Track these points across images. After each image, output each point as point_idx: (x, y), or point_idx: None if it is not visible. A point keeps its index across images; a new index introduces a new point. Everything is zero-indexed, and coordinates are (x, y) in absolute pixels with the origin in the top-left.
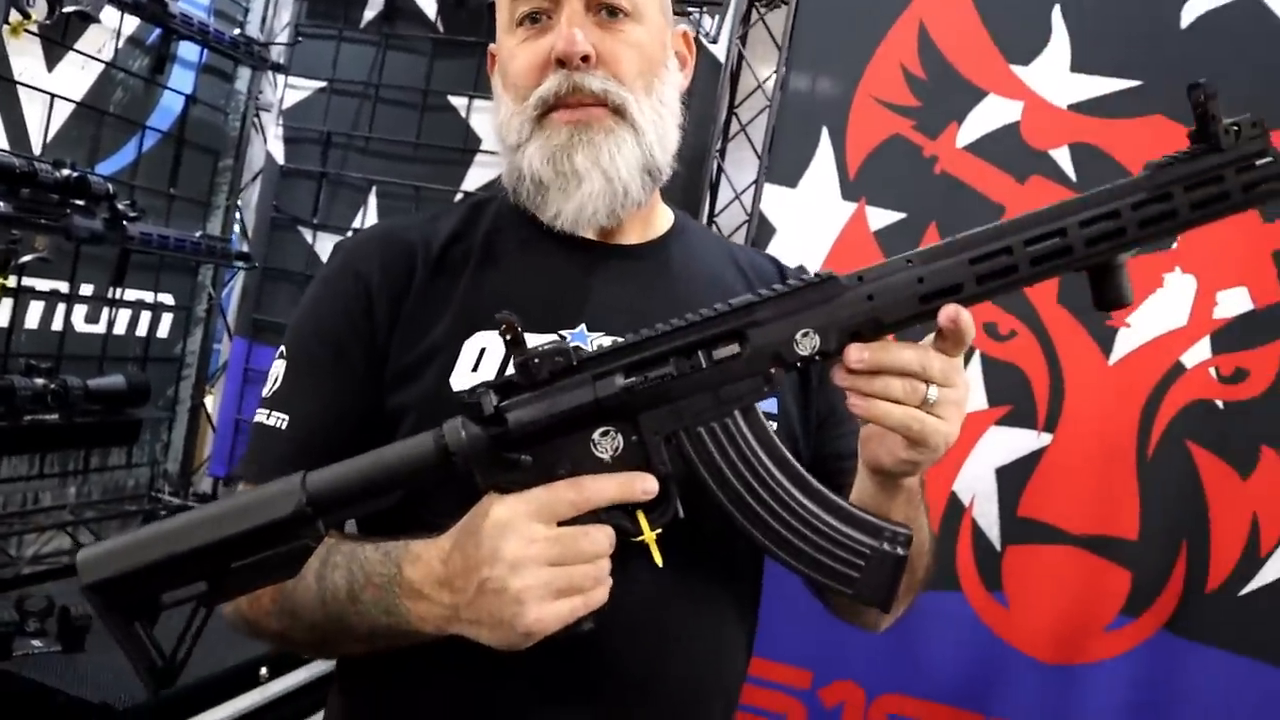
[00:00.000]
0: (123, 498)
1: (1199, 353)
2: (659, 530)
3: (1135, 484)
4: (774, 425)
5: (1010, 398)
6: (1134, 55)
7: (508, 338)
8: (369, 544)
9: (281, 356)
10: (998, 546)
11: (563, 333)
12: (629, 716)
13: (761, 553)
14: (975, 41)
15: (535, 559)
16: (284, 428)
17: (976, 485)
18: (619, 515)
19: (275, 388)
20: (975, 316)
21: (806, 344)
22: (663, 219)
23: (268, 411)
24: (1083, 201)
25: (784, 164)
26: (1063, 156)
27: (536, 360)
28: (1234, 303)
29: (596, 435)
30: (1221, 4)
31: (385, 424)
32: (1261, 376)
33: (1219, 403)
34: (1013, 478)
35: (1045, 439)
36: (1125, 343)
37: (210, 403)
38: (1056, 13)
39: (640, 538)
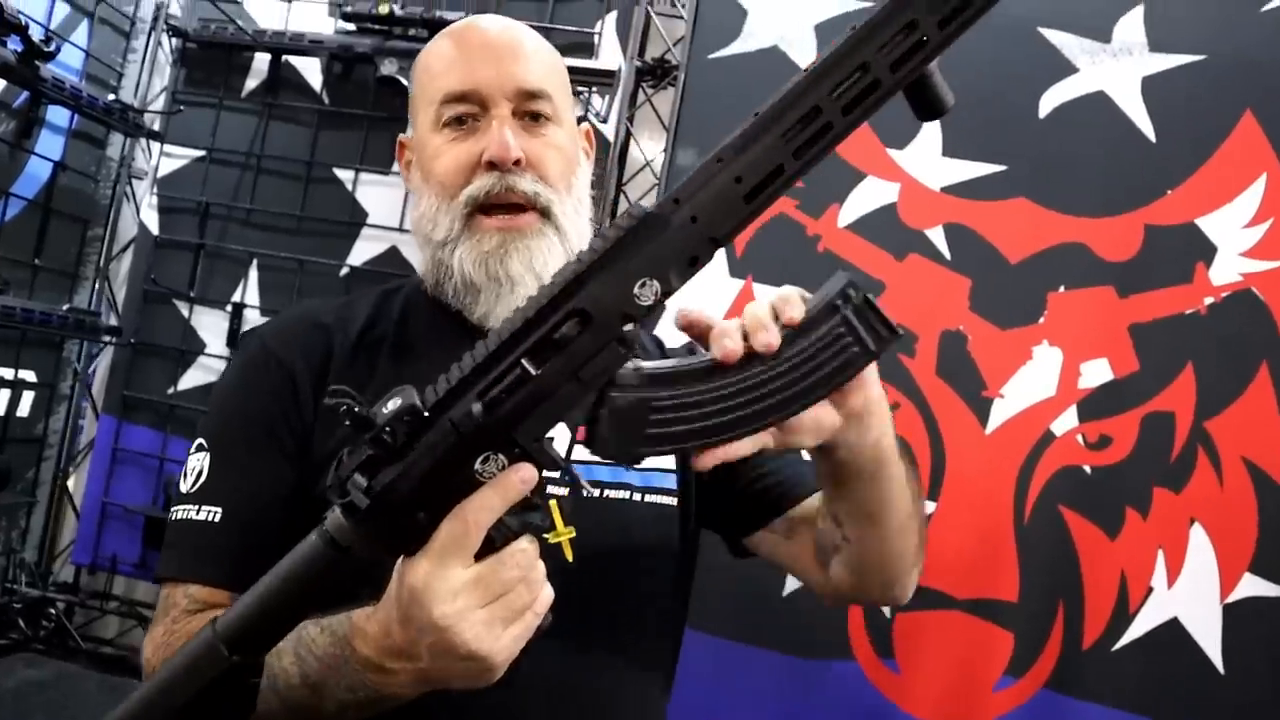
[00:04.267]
0: None
1: (1067, 421)
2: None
3: (1014, 548)
4: (673, 500)
5: None
6: (998, 142)
7: (348, 422)
8: (310, 624)
9: (201, 449)
10: (888, 614)
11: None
12: None
13: (677, 614)
14: None
15: (466, 609)
16: (218, 520)
17: None
18: (529, 515)
19: (201, 481)
20: None
21: (648, 292)
22: None
23: (196, 506)
24: (876, 24)
25: None
26: (937, 235)
27: (388, 430)
28: (1096, 373)
29: (478, 465)
30: (1074, 97)
31: (313, 510)
32: (1123, 442)
33: (1087, 468)
34: None
35: (929, 507)
36: (1000, 413)
37: (73, 484)
38: None
39: (551, 535)
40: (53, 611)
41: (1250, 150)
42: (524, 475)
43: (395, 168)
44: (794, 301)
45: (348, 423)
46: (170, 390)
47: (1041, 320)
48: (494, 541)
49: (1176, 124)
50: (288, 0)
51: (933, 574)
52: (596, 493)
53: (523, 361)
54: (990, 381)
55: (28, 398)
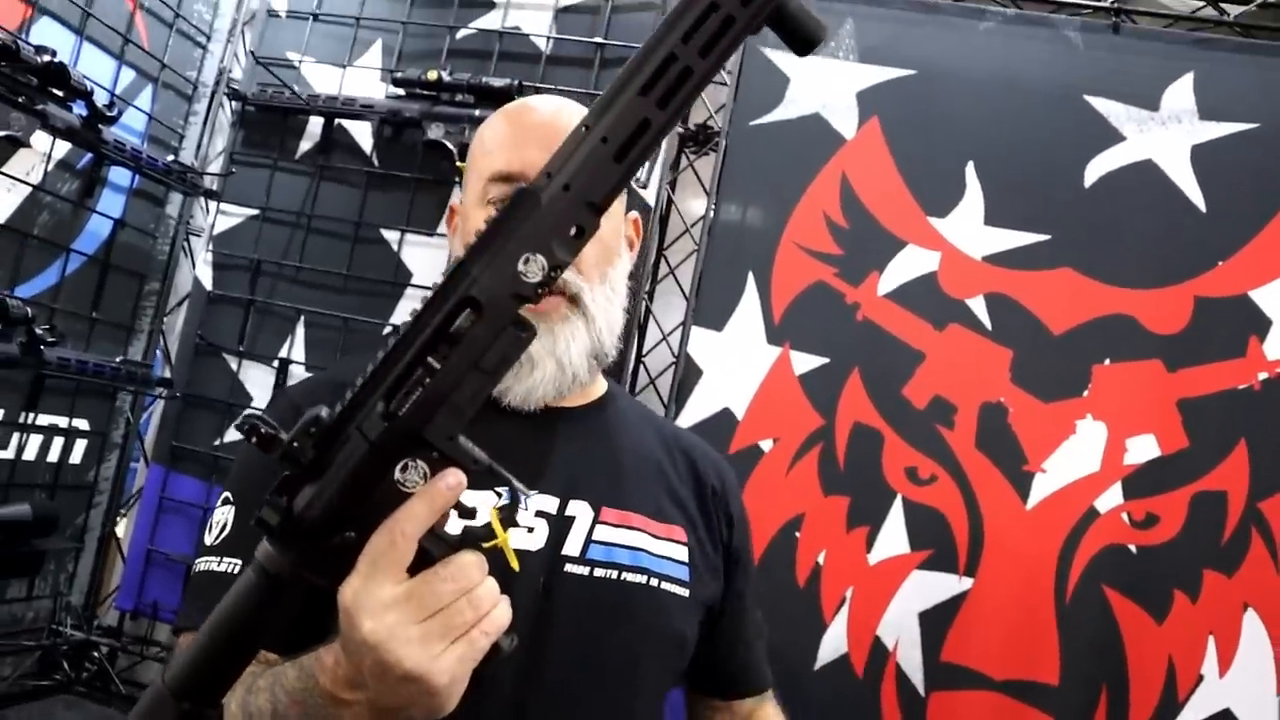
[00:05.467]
0: (18, 632)
1: (1111, 498)
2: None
3: (1055, 628)
4: (686, 591)
5: (932, 542)
6: (1042, 211)
7: (253, 440)
8: (291, 663)
9: (227, 502)
10: (922, 692)
11: (498, 490)
12: None
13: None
14: (895, 193)
15: (396, 624)
16: (236, 572)
17: (900, 630)
18: (469, 526)
19: (224, 534)
20: (895, 462)
21: (534, 268)
22: (598, 386)
23: (218, 558)
24: None
25: (711, 307)
26: (978, 305)
27: (295, 444)
28: (1143, 449)
29: (398, 474)
30: (1120, 165)
31: None
32: (1171, 522)
33: (1132, 547)
34: (936, 622)
35: (966, 583)
36: (1041, 488)
37: (121, 530)
38: (971, 169)
39: (493, 543)
40: (96, 655)
41: None
42: (449, 481)
43: (440, 229)
44: None
45: (253, 441)
46: (216, 442)
47: (1086, 394)
48: (432, 557)
49: (1228, 193)
50: (342, 66)
51: (970, 653)
52: (534, 494)
53: (421, 365)
54: (1031, 455)
55: (80, 445)
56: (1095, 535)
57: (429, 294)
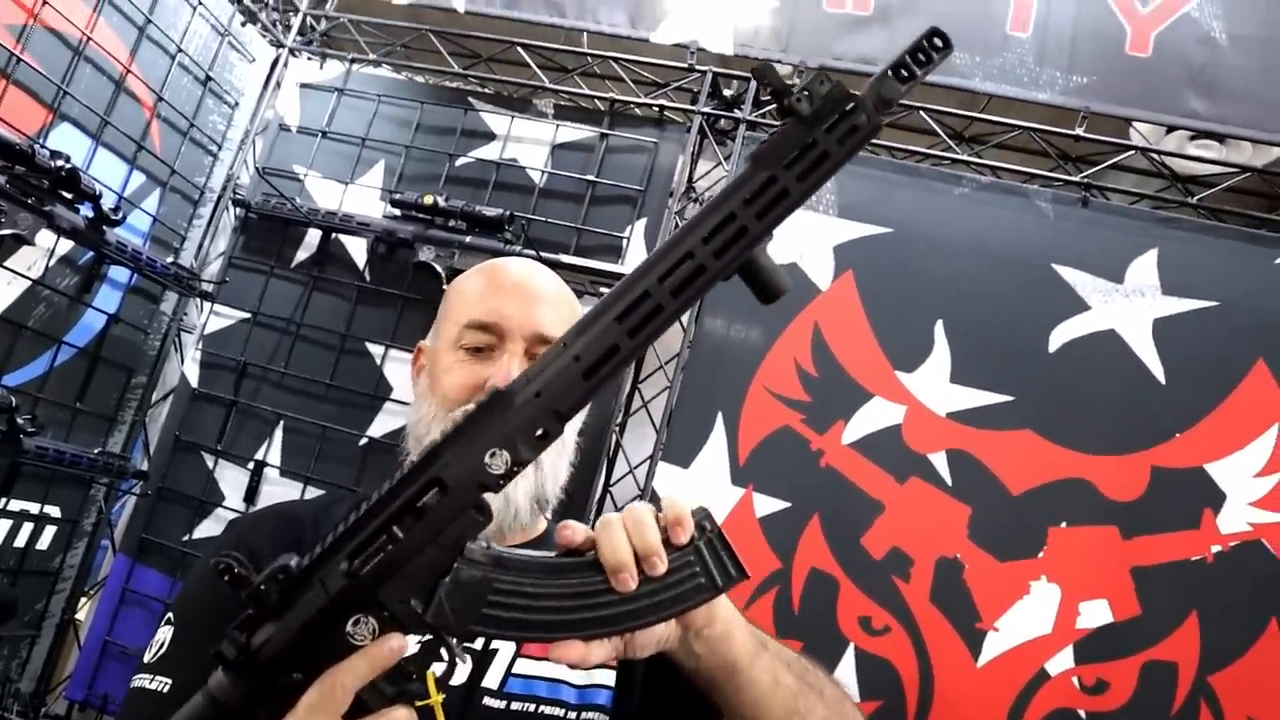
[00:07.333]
0: None
1: (1062, 661)
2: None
3: None
4: (607, 717)
5: (882, 693)
6: (1007, 373)
7: (226, 578)
8: None
9: (169, 623)
10: None
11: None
12: None
13: None
14: (865, 346)
15: None
16: (166, 691)
17: None
18: (407, 683)
19: (160, 653)
20: (849, 610)
21: (499, 462)
22: (538, 526)
23: (151, 676)
24: (700, 217)
25: (679, 444)
26: (940, 461)
27: (262, 587)
28: (1096, 614)
29: (349, 626)
30: (1084, 334)
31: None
32: (1121, 689)
33: (1081, 713)
34: None
35: None
36: (993, 646)
37: (82, 615)
38: (940, 327)
39: (426, 702)
40: None
41: (1262, 400)
42: (393, 644)
43: None
44: (650, 528)
45: (226, 579)
46: (185, 537)
47: (1041, 555)
48: (367, 706)
49: (1187, 367)
50: (344, 183)
51: None
52: (469, 660)
53: (385, 532)
54: (985, 613)
55: (49, 532)
56: (1045, 698)
57: (403, 469)
